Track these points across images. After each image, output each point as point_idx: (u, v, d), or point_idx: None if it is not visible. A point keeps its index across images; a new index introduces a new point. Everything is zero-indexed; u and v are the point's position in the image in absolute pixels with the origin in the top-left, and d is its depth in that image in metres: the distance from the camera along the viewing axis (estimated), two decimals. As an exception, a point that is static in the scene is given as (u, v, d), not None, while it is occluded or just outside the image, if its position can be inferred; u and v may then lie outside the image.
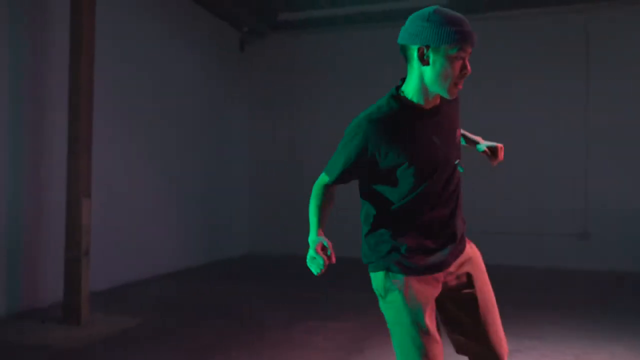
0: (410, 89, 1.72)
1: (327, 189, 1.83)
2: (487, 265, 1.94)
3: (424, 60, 1.65)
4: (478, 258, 1.91)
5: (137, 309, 4.87)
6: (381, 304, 1.80)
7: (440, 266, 1.76)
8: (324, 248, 1.63)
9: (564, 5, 7.34)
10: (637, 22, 7.20)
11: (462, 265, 1.82)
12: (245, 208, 8.77)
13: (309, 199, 1.85)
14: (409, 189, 1.72)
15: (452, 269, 1.79)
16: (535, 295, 5.50)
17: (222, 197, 8.10)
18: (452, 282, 1.81)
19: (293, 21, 8.35)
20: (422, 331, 1.68)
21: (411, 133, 1.70)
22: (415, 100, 1.72)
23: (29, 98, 4.77)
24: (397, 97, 1.75)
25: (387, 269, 1.75)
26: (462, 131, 2.07)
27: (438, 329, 1.77)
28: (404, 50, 1.72)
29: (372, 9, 7.76)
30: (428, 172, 1.71)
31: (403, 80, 1.78)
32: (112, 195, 5.67)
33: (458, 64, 1.63)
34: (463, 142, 2.08)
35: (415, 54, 1.67)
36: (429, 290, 1.74)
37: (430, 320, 1.71)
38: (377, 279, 1.80)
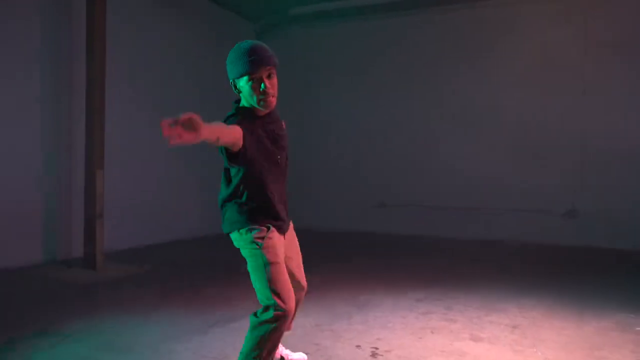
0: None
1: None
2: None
3: (237, 89, 2.34)
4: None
5: (146, 262, 5.89)
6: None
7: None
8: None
9: None
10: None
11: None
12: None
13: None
14: None
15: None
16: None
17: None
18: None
19: (304, 14, 9.10)
20: None
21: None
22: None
23: (60, 86, 5.86)
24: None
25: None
26: None
27: None
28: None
29: (378, 1, 8.40)
30: None
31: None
32: (132, 166, 6.72)
33: (257, 85, 2.24)
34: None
35: (232, 86, 2.35)
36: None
37: None
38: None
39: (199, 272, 5.55)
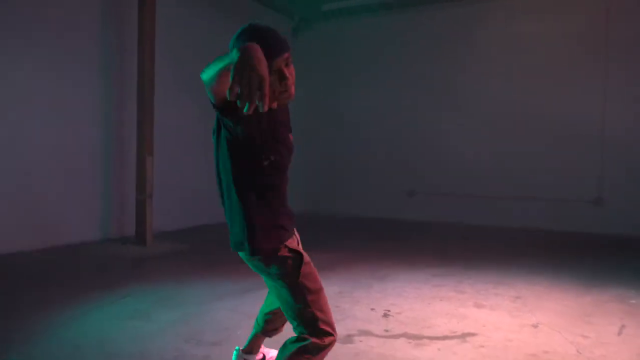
0: None
1: None
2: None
3: None
4: None
5: (186, 240, 6.51)
6: None
7: None
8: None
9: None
10: None
11: None
12: (299, 171, 10.23)
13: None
14: None
15: None
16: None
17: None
18: None
19: (336, 9, 9.55)
20: None
21: None
22: None
23: (114, 84, 6.52)
24: None
25: None
26: None
27: None
28: None
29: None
30: None
31: None
32: (176, 153, 7.35)
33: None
34: None
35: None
36: None
37: None
38: None
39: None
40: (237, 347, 2.45)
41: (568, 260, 5.57)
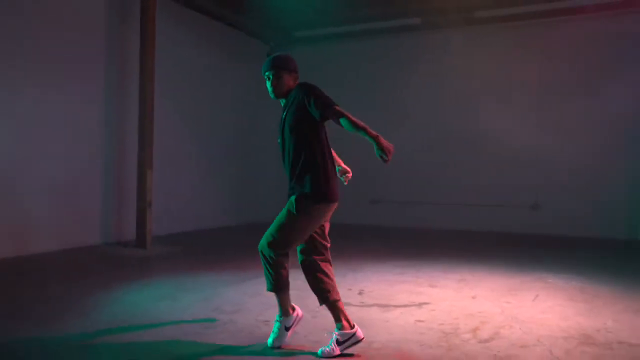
0: None
1: None
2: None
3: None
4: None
5: (182, 243, 7.36)
6: None
7: None
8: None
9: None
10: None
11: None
12: (274, 183, 11.18)
13: None
14: None
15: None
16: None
17: (255, 175, 10.57)
18: None
19: (307, 36, 10.62)
20: None
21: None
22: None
23: (117, 101, 7.35)
24: None
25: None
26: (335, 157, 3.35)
27: None
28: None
29: (366, 27, 9.93)
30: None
31: None
32: (176, 171, 8.19)
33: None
34: None
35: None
36: None
37: None
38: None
39: (227, 250, 7.02)
40: (277, 316, 3.21)
41: (505, 253, 6.75)
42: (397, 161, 10.40)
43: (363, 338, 3.06)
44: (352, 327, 3.06)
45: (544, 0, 8.59)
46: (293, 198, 3.03)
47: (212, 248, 7.24)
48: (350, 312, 3.92)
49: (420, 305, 4.16)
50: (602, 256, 6.84)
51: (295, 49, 11.00)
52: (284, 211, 3.07)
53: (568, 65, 8.98)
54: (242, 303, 4.17)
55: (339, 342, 3.01)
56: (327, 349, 3.00)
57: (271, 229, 3.09)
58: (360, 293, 4.56)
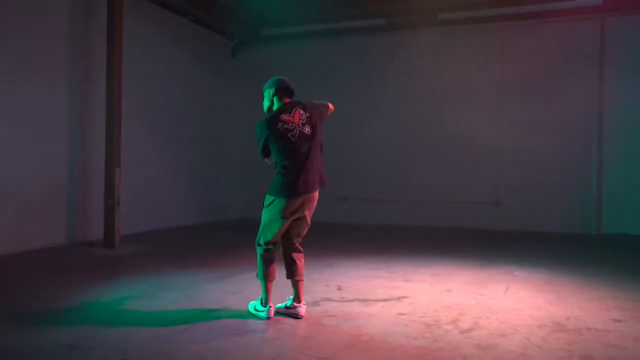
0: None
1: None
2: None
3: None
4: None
5: (151, 242, 7.24)
6: None
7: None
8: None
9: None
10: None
11: None
12: (240, 183, 11.12)
13: None
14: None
15: None
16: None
17: (221, 174, 10.49)
18: None
19: (274, 35, 10.61)
20: None
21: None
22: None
23: (82, 103, 7.15)
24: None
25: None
26: None
27: None
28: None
29: (331, 27, 10.02)
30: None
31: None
32: (141, 170, 8.03)
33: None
34: None
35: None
36: None
37: None
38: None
39: (198, 249, 6.95)
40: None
41: (472, 249, 6.99)
42: (365, 159, 10.73)
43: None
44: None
45: (506, 4, 8.91)
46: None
47: (183, 247, 7.16)
48: (332, 306, 4.02)
49: (399, 299, 4.28)
50: (561, 249, 7.18)
51: (262, 47, 11.00)
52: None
53: (528, 66, 9.34)
54: (225, 301, 4.17)
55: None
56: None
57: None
58: (339, 289, 4.64)
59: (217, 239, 7.97)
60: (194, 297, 4.28)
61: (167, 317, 3.68)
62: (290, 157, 3.60)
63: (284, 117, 3.63)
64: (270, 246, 3.74)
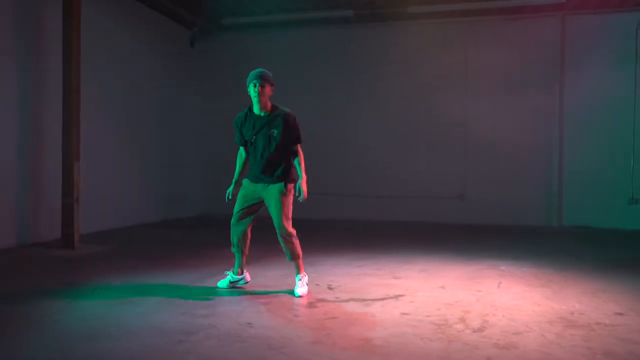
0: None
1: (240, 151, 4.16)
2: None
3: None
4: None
5: (113, 242, 6.75)
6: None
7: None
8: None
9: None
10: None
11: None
12: (198, 178, 10.65)
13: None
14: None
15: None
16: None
17: (179, 169, 10.00)
18: None
19: (235, 24, 10.19)
20: None
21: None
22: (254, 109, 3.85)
23: (34, 96, 6.52)
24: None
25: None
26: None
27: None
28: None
29: (296, 17, 9.73)
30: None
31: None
32: (97, 164, 7.46)
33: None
34: None
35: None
36: None
37: None
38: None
39: (164, 248, 6.53)
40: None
41: (448, 243, 6.96)
42: (334, 155, 10.53)
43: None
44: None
45: (474, -1, 8.95)
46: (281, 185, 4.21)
47: (148, 246, 6.71)
48: (329, 307, 3.81)
49: (396, 297, 4.11)
50: (533, 242, 7.26)
51: (222, 36, 10.57)
52: (277, 197, 4.16)
53: (492, 62, 9.46)
54: (213, 305, 3.85)
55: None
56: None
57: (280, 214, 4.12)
58: (330, 288, 4.42)
59: (181, 237, 7.54)
60: (178, 302, 3.93)
61: (157, 326, 3.33)
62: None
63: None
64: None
